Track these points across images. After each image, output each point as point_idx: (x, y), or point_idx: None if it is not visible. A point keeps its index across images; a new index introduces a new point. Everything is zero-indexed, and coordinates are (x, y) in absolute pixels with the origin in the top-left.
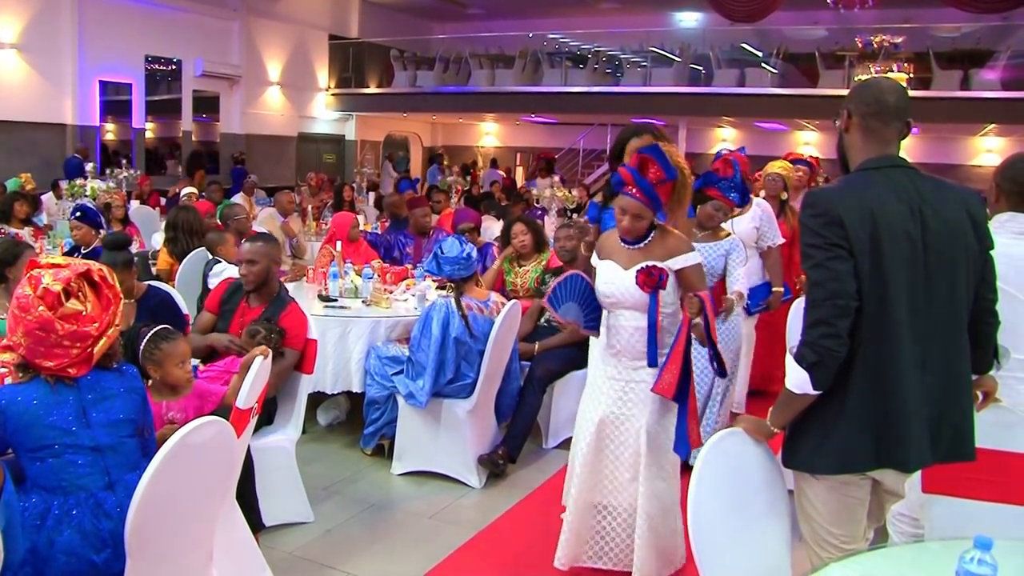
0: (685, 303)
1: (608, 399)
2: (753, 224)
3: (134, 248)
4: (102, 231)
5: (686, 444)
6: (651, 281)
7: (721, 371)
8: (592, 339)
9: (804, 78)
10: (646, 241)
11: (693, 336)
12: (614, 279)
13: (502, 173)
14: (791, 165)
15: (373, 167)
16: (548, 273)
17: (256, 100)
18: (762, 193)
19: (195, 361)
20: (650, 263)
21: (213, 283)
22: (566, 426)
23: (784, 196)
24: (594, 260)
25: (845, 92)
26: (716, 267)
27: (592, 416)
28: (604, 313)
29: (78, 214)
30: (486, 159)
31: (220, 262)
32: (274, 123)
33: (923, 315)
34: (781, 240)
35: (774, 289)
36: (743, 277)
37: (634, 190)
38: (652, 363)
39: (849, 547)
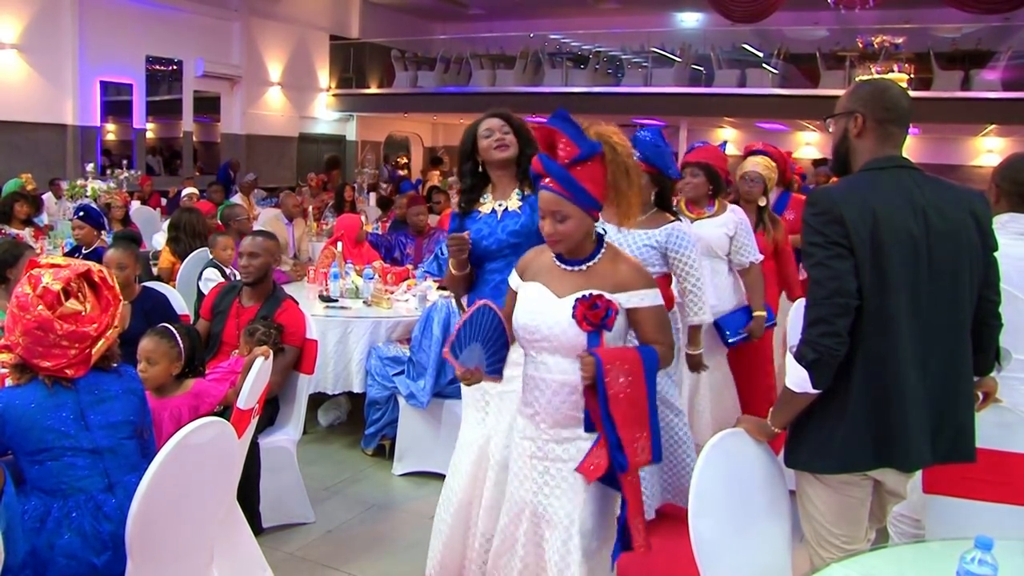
0: (580, 365)
1: (532, 484)
2: (724, 231)
3: None
4: (103, 232)
5: (623, 545)
6: (593, 316)
7: (622, 464)
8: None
9: (805, 78)
10: (591, 263)
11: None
12: (542, 308)
13: None
14: (773, 164)
15: (374, 168)
16: None
17: (257, 100)
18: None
19: None
20: (594, 292)
21: (204, 288)
22: None
23: (763, 202)
24: (513, 282)
25: None
26: (646, 261)
27: (513, 500)
28: (518, 355)
29: (81, 214)
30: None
31: (213, 266)
32: (275, 123)
33: (924, 315)
34: (759, 256)
35: (756, 314)
36: (703, 284)
37: (548, 180)
38: (588, 428)
39: (851, 547)
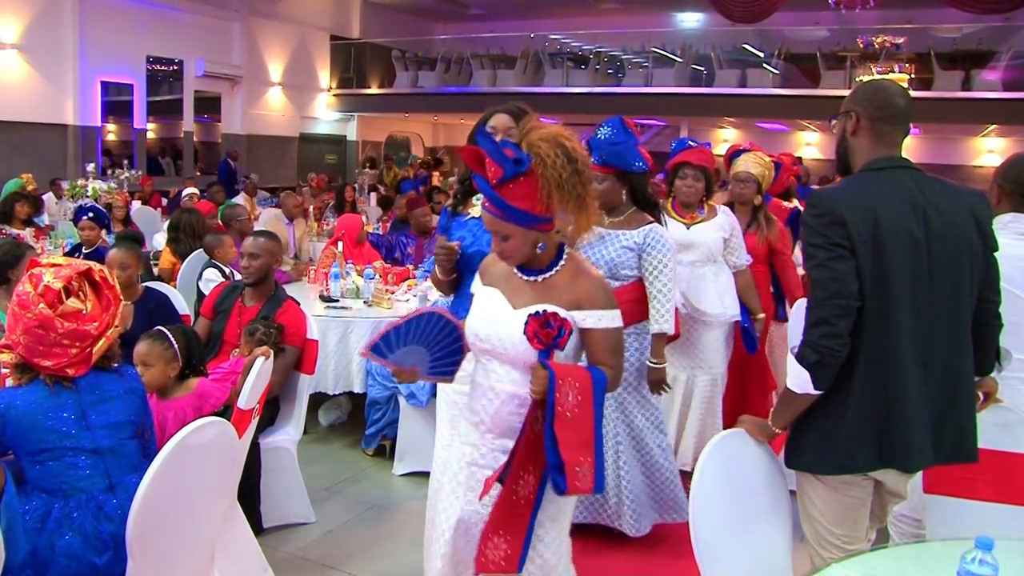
0: (531, 377)
1: (468, 493)
2: (721, 234)
3: None
4: (104, 231)
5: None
6: (545, 335)
7: (560, 485)
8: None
9: (805, 79)
10: (548, 275)
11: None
12: (495, 317)
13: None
14: (765, 159)
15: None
16: None
17: (258, 100)
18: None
19: None
20: (549, 308)
21: (204, 288)
22: None
23: (758, 201)
24: (475, 285)
25: (846, 92)
26: (622, 264)
27: (448, 512)
28: (468, 362)
29: (90, 215)
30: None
31: (212, 267)
32: (275, 123)
33: (925, 315)
34: (748, 259)
35: (759, 316)
36: (671, 289)
37: (485, 201)
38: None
39: (851, 547)
